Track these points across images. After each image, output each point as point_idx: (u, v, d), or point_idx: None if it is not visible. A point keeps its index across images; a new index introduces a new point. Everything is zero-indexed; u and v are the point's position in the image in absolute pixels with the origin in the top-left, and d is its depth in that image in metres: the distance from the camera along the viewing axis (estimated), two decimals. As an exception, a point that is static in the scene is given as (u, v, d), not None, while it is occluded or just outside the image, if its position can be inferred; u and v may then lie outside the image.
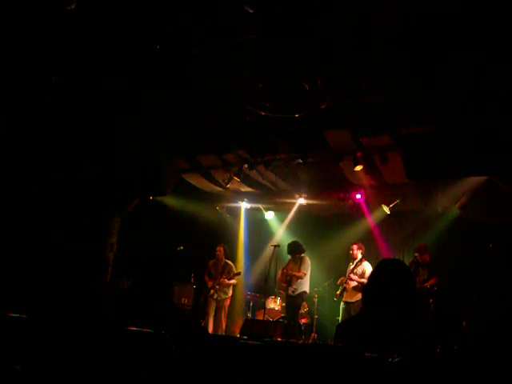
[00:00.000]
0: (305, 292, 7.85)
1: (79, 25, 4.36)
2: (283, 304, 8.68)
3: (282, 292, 8.37)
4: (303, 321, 8.25)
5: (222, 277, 8.27)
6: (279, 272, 8.37)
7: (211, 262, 8.57)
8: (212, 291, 8.23)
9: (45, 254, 6.56)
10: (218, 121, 6.37)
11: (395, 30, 4.27)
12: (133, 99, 5.82)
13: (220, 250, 8.50)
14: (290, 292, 7.82)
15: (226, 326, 8.41)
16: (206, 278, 8.42)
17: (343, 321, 5.96)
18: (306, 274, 7.83)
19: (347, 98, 5.48)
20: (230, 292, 8.44)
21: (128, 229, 7.93)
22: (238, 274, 8.47)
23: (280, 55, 4.49)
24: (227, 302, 8.38)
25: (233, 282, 8.39)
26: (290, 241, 8.26)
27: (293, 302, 7.80)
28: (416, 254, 7.14)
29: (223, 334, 8.10)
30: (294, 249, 7.98)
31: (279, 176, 8.28)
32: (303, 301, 7.89)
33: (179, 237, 8.74)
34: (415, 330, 2.28)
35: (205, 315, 8.19)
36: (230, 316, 8.53)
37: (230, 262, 8.58)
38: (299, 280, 7.80)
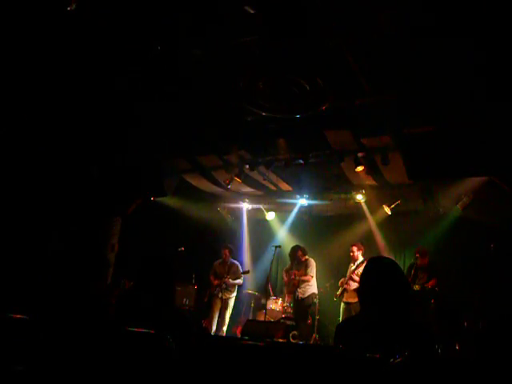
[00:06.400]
0: (313, 293, 7.91)
1: (80, 25, 4.36)
2: (284, 305, 8.69)
3: (289, 295, 8.42)
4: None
5: (227, 276, 8.32)
6: (284, 274, 8.38)
7: (217, 262, 8.61)
8: (218, 289, 8.27)
9: (46, 255, 6.56)
10: (219, 121, 6.38)
11: (397, 29, 4.27)
12: (133, 100, 5.82)
13: (225, 252, 8.54)
14: (299, 295, 7.87)
15: (227, 326, 8.42)
16: (212, 278, 8.45)
17: (343, 321, 5.95)
18: (313, 277, 7.90)
19: (348, 98, 5.48)
20: (235, 292, 8.49)
21: (129, 230, 7.93)
22: (247, 272, 8.50)
23: (281, 55, 4.49)
24: (232, 302, 8.42)
25: (238, 281, 8.43)
26: (290, 241, 8.29)
27: (302, 305, 7.86)
28: (417, 256, 7.15)
29: (224, 333, 8.13)
30: (296, 253, 8.03)
31: (280, 176, 8.28)
32: (313, 302, 7.91)
33: (180, 237, 8.74)
34: (416, 330, 2.27)
35: (208, 314, 8.24)
36: (231, 316, 8.53)
37: (236, 262, 8.62)
38: (307, 282, 7.84)
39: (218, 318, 8.28)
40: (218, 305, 8.29)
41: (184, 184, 8.36)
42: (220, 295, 8.27)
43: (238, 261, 8.82)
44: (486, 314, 6.15)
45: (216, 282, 8.34)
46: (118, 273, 7.42)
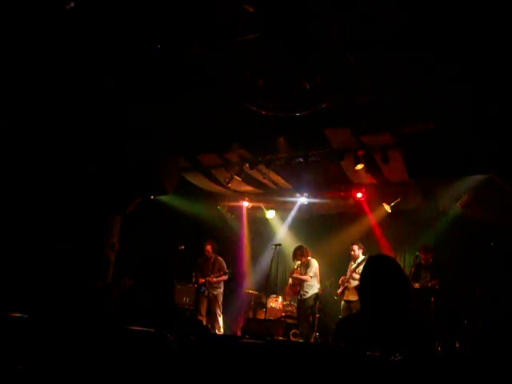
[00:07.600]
0: (315, 294, 7.92)
1: (78, 24, 4.36)
2: (285, 303, 8.70)
3: (289, 294, 8.44)
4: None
5: (211, 274, 8.23)
6: (290, 275, 8.41)
7: (200, 258, 8.49)
8: (203, 288, 8.18)
9: (46, 254, 6.56)
10: (218, 119, 6.37)
11: (396, 28, 4.27)
12: (133, 99, 5.81)
13: (208, 248, 8.38)
14: (301, 295, 7.91)
15: (228, 325, 8.39)
16: (198, 275, 8.30)
17: (343, 318, 5.96)
18: (312, 277, 7.89)
19: (348, 96, 5.47)
20: (222, 287, 8.37)
21: (129, 228, 7.92)
22: (227, 273, 8.36)
23: (280, 54, 4.49)
24: (220, 298, 8.31)
25: (222, 278, 8.30)
26: (290, 240, 8.31)
27: (304, 305, 7.89)
28: (418, 253, 7.14)
29: (221, 332, 8.11)
30: (295, 253, 8.06)
31: (280, 175, 8.28)
32: (315, 302, 7.93)
33: (180, 236, 8.73)
34: (416, 329, 2.27)
35: (196, 313, 8.11)
36: (231, 315, 8.50)
37: (220, 257, 8.47)
38: (307, 283, 7.88)
39: (210, 316, 8.17)
40: (205, 303, 8.17)
41: (184, 183, 8.35)
42: (206, 293, 8.17)
43: (237, 259, 8.77)
44: (486, 313, 6.16)
45: (201, 281, 8.21)
46: (118, 272, 7.42)
